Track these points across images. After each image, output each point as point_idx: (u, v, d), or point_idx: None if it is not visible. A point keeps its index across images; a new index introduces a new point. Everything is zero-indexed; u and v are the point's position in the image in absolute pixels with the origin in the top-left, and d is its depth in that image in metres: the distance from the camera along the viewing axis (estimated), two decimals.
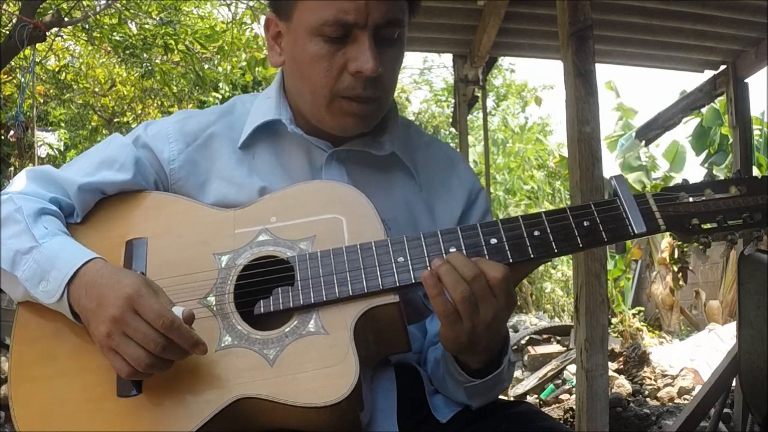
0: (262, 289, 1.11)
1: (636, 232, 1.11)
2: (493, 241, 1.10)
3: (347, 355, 1.04)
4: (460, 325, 1.05)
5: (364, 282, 1.08)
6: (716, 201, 1.13)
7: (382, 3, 1.13)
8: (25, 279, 1.10)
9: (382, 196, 1.18)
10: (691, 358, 5.94)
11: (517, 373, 6.17)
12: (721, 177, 1.17)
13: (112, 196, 1.24)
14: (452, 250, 1.10)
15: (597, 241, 1.11)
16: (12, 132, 7.43)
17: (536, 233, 1.10)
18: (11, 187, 1.21)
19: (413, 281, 1.08)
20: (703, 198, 1.13)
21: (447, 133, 15.13)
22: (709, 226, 1.12)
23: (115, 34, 8.19)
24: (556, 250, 1.10)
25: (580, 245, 1.11)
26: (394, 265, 1.09)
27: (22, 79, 7.83)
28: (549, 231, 1.10)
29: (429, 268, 1.08)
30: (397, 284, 1.08)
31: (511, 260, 1.09)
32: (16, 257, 1.11)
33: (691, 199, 1.13)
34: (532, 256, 1.10)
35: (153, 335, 1.00)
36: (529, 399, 5.55)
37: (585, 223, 1.11)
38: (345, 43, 1.14)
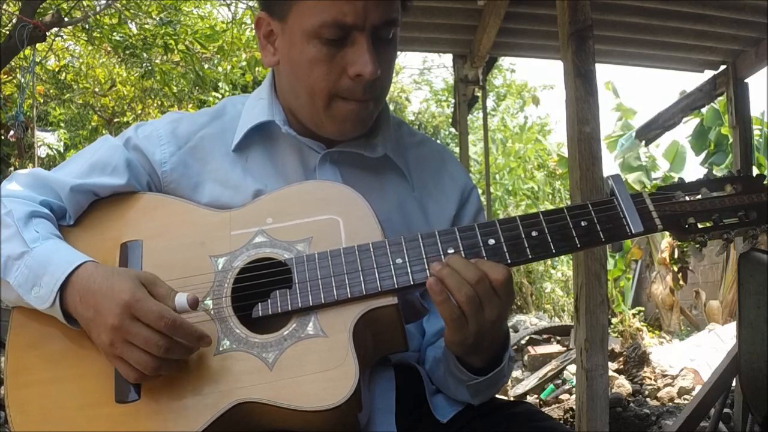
0: (260, 292, 1.10)
1: (633, 231, 1.11)
2: (491, 241, 1.10)
3: (347, 357, 1.03)
4: (466, 327, 1.05)
5: (363, 284, 1.07)
6: (712, 200, 1.13)
7: (379, 4, 1.12)
8: (17, 285, 1.08)
9: (375, 198, 1.17)
10: (691, 358, 5.93)
11: (517, 373, 6.17)
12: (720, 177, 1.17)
13: (105, 198, 1.22)
14: (450, 251, 1.09)
15: (594, 241, 1.11)
16: (12, 132, 7.40)
17: (534, 233, 1.10)
18: (1, 191, 1.18)
19: (412, 283, 1.07)
20: (699, 197, 1.13)
21: (447, 133, 15.12)
22: (705, 225, 1.12)
23: (115, 34, 8.18)
24: (554, 251, 1.10)
25: (578, 245, 1.10)
26: (392, 266, 1.08)
27: (22, 79, 7.83)
28: (547, 231, 1.10)
29: (427, 269, 1.07)
30: (396, 286, 1.08)
31: (509, 261, 1.09)
32: (7, 263, 1.09)
33: (687, 198, 1.13)
34: (530, 256, 1.10)
35: (155, 338, 1.00)
36: (529, 399, 5.55)
37: (582, 223, 1.11)
38: (343, 46, 1.13)
